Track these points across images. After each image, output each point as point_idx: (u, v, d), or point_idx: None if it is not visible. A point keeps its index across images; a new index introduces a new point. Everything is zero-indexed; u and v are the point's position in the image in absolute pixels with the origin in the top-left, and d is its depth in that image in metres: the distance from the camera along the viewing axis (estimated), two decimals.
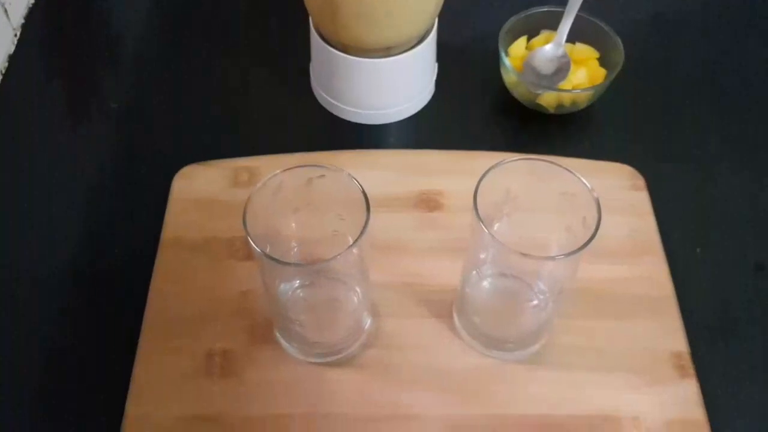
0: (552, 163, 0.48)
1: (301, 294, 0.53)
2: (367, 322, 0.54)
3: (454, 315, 0.54)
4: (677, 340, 0.54)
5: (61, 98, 0.70)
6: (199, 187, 0.61)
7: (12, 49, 0.70)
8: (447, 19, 0.65)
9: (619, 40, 0.65)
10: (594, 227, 0.45)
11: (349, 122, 0.67)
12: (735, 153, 0.65)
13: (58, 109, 0.69)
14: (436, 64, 0.68)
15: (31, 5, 0.74)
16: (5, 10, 0.69)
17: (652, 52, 0.72)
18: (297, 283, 0.53)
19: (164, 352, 0.53)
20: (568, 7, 0.65)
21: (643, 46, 0.72)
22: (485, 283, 0.51)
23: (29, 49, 0.71)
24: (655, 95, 0.69)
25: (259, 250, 0.45)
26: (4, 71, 0.69)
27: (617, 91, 0.66)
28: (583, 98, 0.64)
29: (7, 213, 0.61)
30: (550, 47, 0.66)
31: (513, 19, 0.66)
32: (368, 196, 0.46)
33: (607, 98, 0.66)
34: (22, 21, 0.72)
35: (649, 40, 0.74)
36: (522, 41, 0.68)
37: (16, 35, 0.71)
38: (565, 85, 0.65)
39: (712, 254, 0.59)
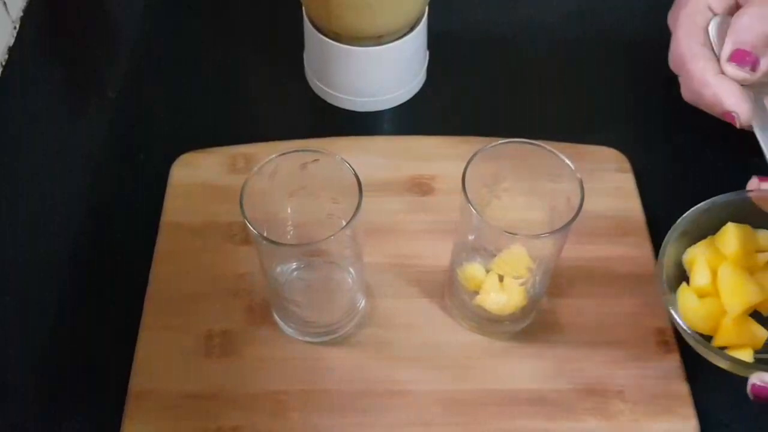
0: (538, 145, 0.50)
1: (297, 276, 0.55)
2: (362, 303, 0.56)
3: (446, 295, 0.56)
4: (660, 317, 0.55)
5: (60, 89, 0.71)
6: (197, 174, 0.62)
7: (11, 41, 0.71)
8: (437, 7, 0.66)
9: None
10: (577, 207, 0.46)
11: (342, 109, 0.68)
12: (719, 136, 0.67)
13: (58, 99, 0.70)
14: (427, 52, 0.70)
15: None
16: (4, 3, 0.70)
17: (639, 36, 0.74)
18: (293, 265, 0.55)
19: (165, 332, 0.54)
20: None
21: (630, 30, 0.74)
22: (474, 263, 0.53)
23: (28, 42, 0.73)
24: (642, 78, 0.71)
25: (256, 232, 0.46)
26: (4, 63, 0.70)
27: (603, 74, 0.67)
28: None
29: (7, 202, 0.62)
30: None
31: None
32: (361, 180, 0.48)
33: (594, 81, 0.68)
34: (21, 14, 0.73)
35: (635, 23, 0.75)
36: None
37: (15, 28, 0.72)
38: None
39: None
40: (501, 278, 0.52)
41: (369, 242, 0.53)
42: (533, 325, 0.55)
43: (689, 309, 0.48)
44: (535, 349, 0.54)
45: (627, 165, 0.63)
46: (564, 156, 0.49)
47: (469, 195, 0.47)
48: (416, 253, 0.58)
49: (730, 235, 0.49)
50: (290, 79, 0.71)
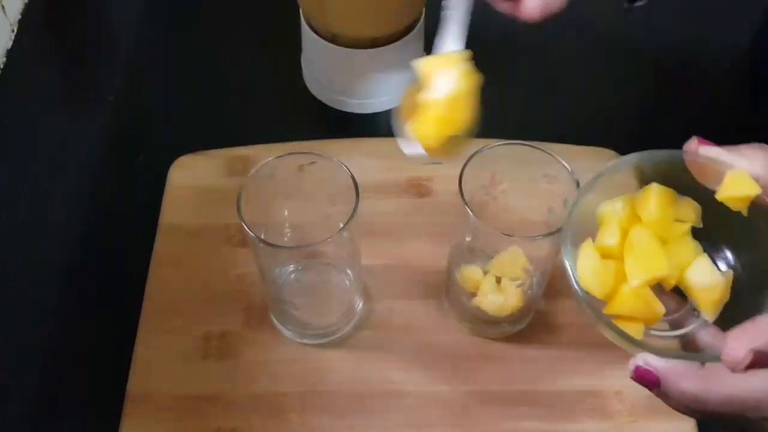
0: (534, 147, 0.50)
1: (295, 278, 0.55)
2: (359, 305, 0.56)
3: (443, 296, 0.56)
4: None
5: (58, 92, 0.71)
6: (194, 177, 0.63)
7: (9, 44, 0.72)
8: (435, 9, 0.66)
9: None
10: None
11: (339, 111, 0.68)
12: (717, 137, 0.67)
13: (56, 102, 0.70)
14: (424, 54, 0.70)
15: (28, 0, 0.75)
16: (2, 6, 0.70)
17: (636, 38, 0.74)
18: (291, 267, 0.55)
19: (164, 334, 0.55)
20: None
21: (628, 32, 0.74)
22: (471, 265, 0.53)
23: (27, 45, 0.73)
24: (638, 80, 0.71)
25: (253, 234, 0.47)
26: (2, 66, 0.70)
27: (600, 75, 0.67)
28: None
29: (6, 204, 0.62)
30: None
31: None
32: (358, 182, 0.48)
33: (591, 83, 0.68)
34: (19, 17, 0.74)
35: (633, 25, 0.75)
36: None
37: (13, 30, 0.72)
38: None
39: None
40: (498, 280, 0.52)
41: (366, 244, 0.53)
42: (531, 326, 0.55)
43: (587, 267, 0.42)
44: (532, 351, 0.54)
45: None
46: (560, 157, 0.49)
47: (466, 197, 0.47)
48: (413, 255, 0.58)
49: (652, 196, 0.43)
50: (288, 81, 0.71)
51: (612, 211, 0.43)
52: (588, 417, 0.52)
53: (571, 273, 0.41)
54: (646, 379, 0.37)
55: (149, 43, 0.75)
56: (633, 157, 0.43)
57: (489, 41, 0.73)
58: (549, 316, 0.56)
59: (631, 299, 0.41)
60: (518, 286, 0.52)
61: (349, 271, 0.55)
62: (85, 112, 0.70)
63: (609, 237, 0.42)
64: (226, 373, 0.53)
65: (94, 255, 0.60)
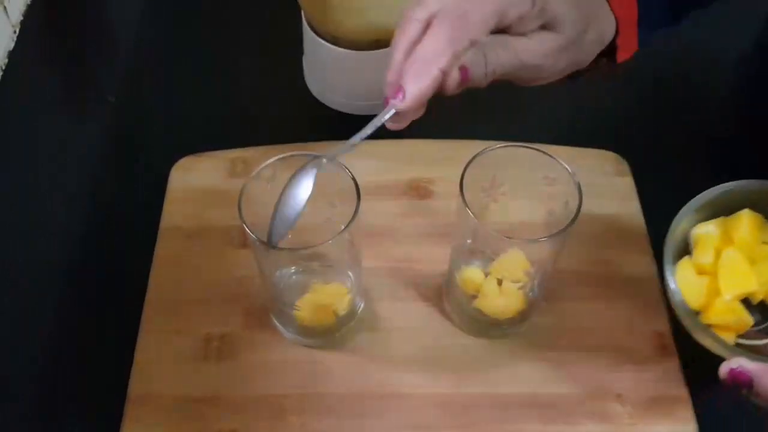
0: (536, 149, 0.50)
1: (296, 280, 0.55)
2: (360, 306, 0.56)
3: (444, 298, 0.56)
4: (659, 321, 0.55)
5: (59, 93, 0.71)
6: (195, 178, 0.63)
7: (11, 45, 0.72)
8: None
9: None
10: (575, 210, 0.46)
11: (340, 113, 0.68)
12: (718, 139, 0.67)
13: (57, 103, 0.70)
14: None
15: (30, 1, 0.75)
16: (4, 7, 0.70)
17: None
18: (292, 269, 0.55)
19: (165, 336, 0.55)
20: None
21: None
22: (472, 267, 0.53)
23: (28, 46, 0.73)
24: (639, 82, 0.71)
25: (254, 236, 0.47)
26: (3, 67, 0.71)
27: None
28: None
29: (7, 205, 0.62)
30: None
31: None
32: (359, 184, 0.48)
33: (592, 85, 0.68)
34: (21, 18, 0.74)
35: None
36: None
37: (15, 32, 0.72)
38: None
39: None
40: (499, 282, 0.52)
41: (367, 246, 0.53)
42: (531, 328, 0.55)
43: (686, 282, 0.50)
44: (533, 353, 0.54)
45: (625, 168, 0.63)
46: (562, 160, 0.49)
47: (467, 199, 0.47)
48: (414, 257, 0.58)
49: (744, 220, 0.51)
50: (289, 83, 0.71)
51: (706, 233, 0.51)
52: (588, 419, 0.52)
53: (672, 286, 0.49)
54: (739, 379, 0.42)
55: (150, 44, 0.75)
56: (726, 186, 0.51)
57: None
58: (550, 318, 0.56)
59: (725, 310, 0.49)
60: (519, 288, 0.52)
61: (349, 273, 0.55)
62: (86, 112, 0.70)
63: (704, 256, 0.51)
64: (226, 375, 0.53)
65: (94, 256, 0.60)
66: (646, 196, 0.62)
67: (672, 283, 0.50)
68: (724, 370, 0.42)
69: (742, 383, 0.42)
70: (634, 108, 0.69)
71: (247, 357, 0.54)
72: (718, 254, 0.51)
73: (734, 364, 0.42)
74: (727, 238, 0.51)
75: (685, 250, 0.52)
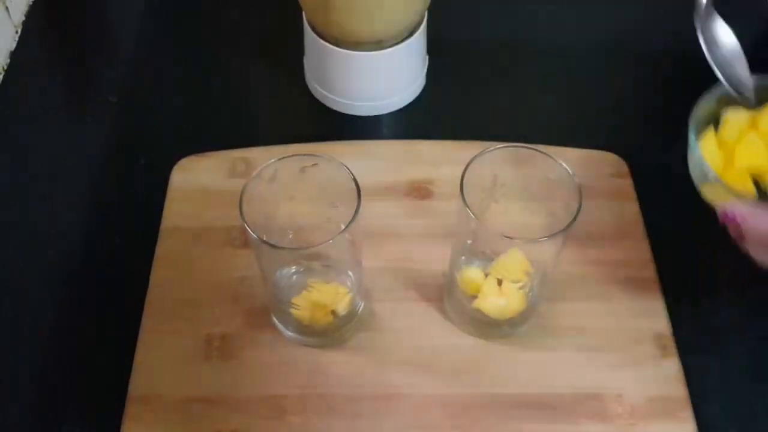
0: (536, 150, 0.50)
1: (296, 280, 0.55)
2: (360, 306, 0.56)
3: (444, 298, 0.56)
4: (659, 321, 0.55)
5: (61, 94, 0.71)
6: (196, 178, 0.63)
7: (13, 45, 0.72)
8: (437, 12, 0.66)
9: None
10: (575, 211, 0.47)
11: (342, 114, 0.69)
12: None
13: (59, 104, 0.71)
14: (427, 57, 0.70)
15: (31, 2, 0.76)
16: (6, 8, 0.71)
17: (637, 41, 0.74)
18: (293, 269, 0.55)
19: (165, 336, 0.55)
20: None
21: (628, 35, 0.74)
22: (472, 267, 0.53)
23: (30, 46, 0.73)
24: (640, 82, 0.71)
25: (255, 236, 0.47)
26: (5, 67, 0.71)
27: (601, 79, 0.68)
28: None
29: (8, 205, 0.63)
30: None
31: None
32: (360, 184, 0.48)
33: (592, 86, 0.68)
34: (23, 18, 0.74)
35: (634, 28, 0.75)
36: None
37: (17, 32, 0.73)
38: None
39: (692, 237, 0.61)
40: (500, 282, 0.52)
41: (368, 246, 0.53)
42: (532, 328, 0.55)
43: (706, 150, 0.55)
44: (533, 353, 0.54)
45: (625, 169, 0.63)
46: (562, 160, 0.49)
47: (467, 199, 0.47)
48: (415, 257, 0.58)
49: None
50: (290, 83, 0.71)
51: (735, 116, 0.57)
52: (588, 420, 0.52)
53: (698, 151, 0.54)
54: (729, 218, 0.49)
55: (152, 44, 0.75)
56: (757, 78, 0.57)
57: (490, 43, 0.74)
58: (550, 318, 0.56)
59: (735, 177, 0.55)
60: (519, 288, 0.52)
61: (350, 273, 0.55)
62: (87, 112, 0.70)
63: (730, 133, 0.56)
64: (227, 375, 0.53)
65: (95, 256, 0.60)
66: (646, 196, 0.62)
67: (698, 150, 0.54)
68: (720, 210, 0.49)
69: (731, 222, 0.48)
70: (634, 108, 0.69)
71: (248, 357, 0.54)
72: (741, 136, 0.56)
73: (728, 206, 0.48)
74: (753, 124, 0.56)
75: (704, 128, 0.57)
